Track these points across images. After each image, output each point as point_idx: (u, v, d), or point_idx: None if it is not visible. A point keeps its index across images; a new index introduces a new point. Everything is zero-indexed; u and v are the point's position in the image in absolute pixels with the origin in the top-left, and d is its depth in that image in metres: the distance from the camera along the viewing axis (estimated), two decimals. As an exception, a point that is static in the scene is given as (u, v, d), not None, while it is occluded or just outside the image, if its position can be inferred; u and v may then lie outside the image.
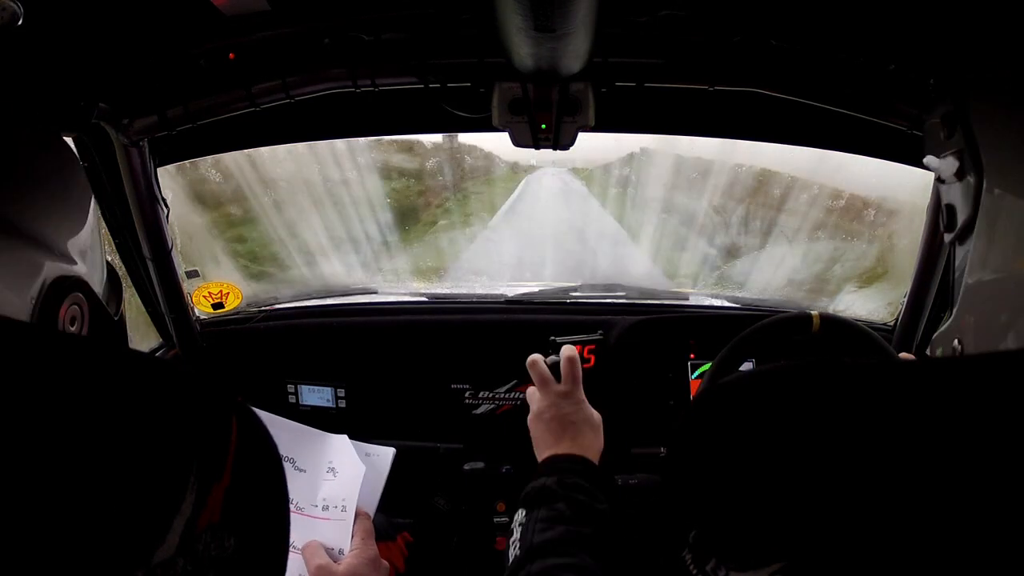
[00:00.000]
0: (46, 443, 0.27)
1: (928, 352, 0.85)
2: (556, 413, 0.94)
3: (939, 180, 0.80)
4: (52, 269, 0.74)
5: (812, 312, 1.23)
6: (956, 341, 0.75)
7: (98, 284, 0.80)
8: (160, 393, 0.33)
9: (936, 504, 0.28)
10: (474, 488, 1.51)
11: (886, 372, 0.34)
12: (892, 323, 1.53)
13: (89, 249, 0.82)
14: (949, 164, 0.77)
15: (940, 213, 0.82)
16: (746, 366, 1.27)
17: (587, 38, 0.89)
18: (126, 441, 0.30)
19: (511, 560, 0.76)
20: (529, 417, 0.97)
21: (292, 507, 0.97)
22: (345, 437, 1.06)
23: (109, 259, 0.85)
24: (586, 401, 0.97)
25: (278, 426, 1.01)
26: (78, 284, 0.75)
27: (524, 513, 0.80)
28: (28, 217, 0.74)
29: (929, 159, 0.84)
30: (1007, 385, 0.31)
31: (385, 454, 1.07)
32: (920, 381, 0.33)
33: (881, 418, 0.31)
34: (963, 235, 0.74)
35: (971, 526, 0.28)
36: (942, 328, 0.80)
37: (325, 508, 1.00)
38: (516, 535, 0.78)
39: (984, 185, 0.71)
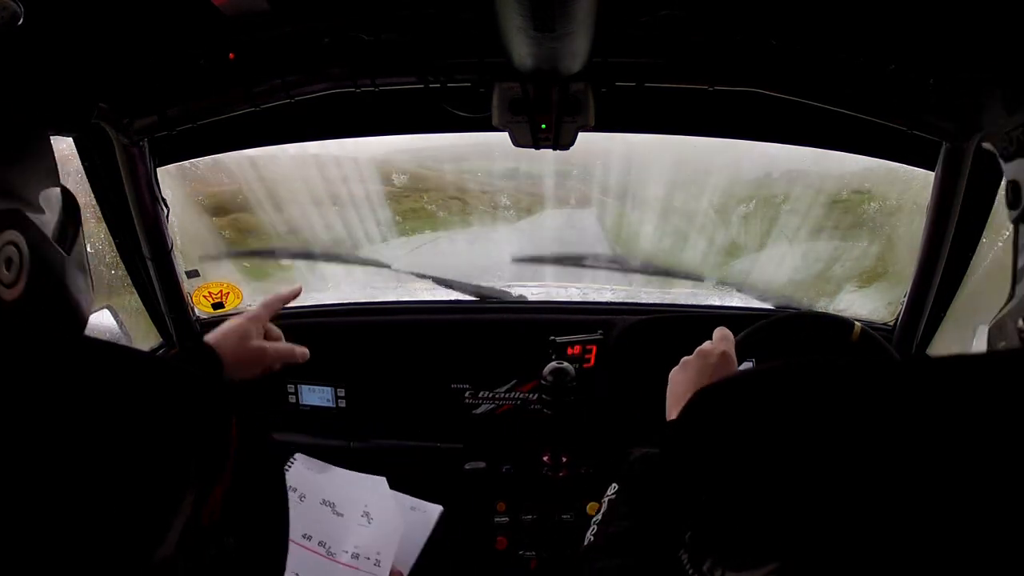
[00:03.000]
0: (48, 443, 0.28)
1: (988, 333, 0.83)
2: (701, 366, 0.91)
3: (1001, 157, 0.79)
4: None
5: (856, 323, 1.23)
6: (1021, 320, 0.73)
7: (49, 223, 0.65)
8: (161, 393, 0.33)
9: (931, 505, 0.28)
10: (474, 488, 1.51)
11: (881, 372, 0.34)
12: (892, 323, 1.53)
13: (39, 182, 0.66)
14: (1011, 140, 0.76)
15: (1006, 190, 0.80)
16: (746, 365, 1.27)
17: (587, 38, 0.89)
18: (127, 441, 0.30)
19: (587, 542, 0.74)
20: (677, 370, 0.94)
21: (323, 550, 0.90)
22: (383, 480, 1.00)
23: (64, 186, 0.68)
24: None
25: (321, 470, 0.98)
26: (16, 219, 0.60)
27: (616, 489, 0.79)
28: None
29: (988, 138, 0.84)
30: (1003, 386, 0.31)
31: (431, 511, 1.01)
32: (915, 382, 0.33)
33: (876, 419, 0.31)
34: None
35: (966, 526, 0.28)
36: (1005, 309, 0.78)
37: (355, 557, 0.91)
38: (601, 510, 0.76)
39: None
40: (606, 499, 0.78)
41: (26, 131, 0.64)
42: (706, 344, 0.95)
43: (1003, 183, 0.81)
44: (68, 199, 0.68)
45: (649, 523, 0.71)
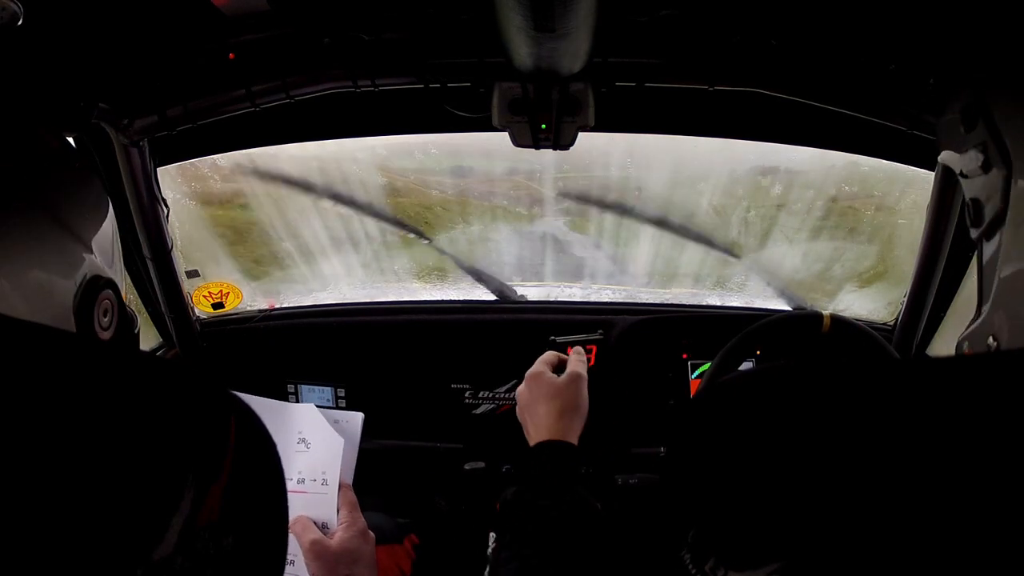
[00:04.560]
0: (46, 441, 0.28)
1: (956, 349, 0.83)
2: (526, 399, 0.96)
3: (961, 175, 0.78)
4: (90, 266, 0.82)
5: (824, 312, 1.23)
6: (991, 338, 0.72)
7: (117, 279, 0.90)
8: (159, 392, 0.33)
9: (933, 504, 0.28)
10: (474, 488, 1.51)
11: (884, 372, 0.34)
12: (892, 323, 1.53)
13: (114, 261, 0.91)
14: (971, 158, 0.75)
15: (966, 209, 0.79)
16: (746, 365, 1.27)
17: (587, 38, 0.89)
18: (125, 439, 0.30)
19: None
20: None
21: None
22: (312, 406, 1.03)
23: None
24: (546, 374, 0.98)
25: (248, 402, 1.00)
26: (110, 283, 0.85)
27: (494, 538, 0.80)
28: (67, 215, 0.82)
29: (946, 155, 0.83)
30: (1004, 386, 0.31)
31: (354, 419, 1.04)
32: (917, 381, 0.33)
33: (878, 418, 0.31)
34: (991, 230, 0.73)
35: (968, 526, 0.28)
36: (972, 326, 0.77)
37: (301, 481, 0.98)
38: (488, 568, 0.78)
39: (1014, 175, 0.69)
40: (489, 551, 0.80)
41: (85, 184, 0.81)
42: (544, 368, 1.00)
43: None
44: (130, 310, 0.94)
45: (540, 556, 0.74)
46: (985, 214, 0.73)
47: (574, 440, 0.92)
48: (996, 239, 0.72)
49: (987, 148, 0.72)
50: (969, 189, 0.76)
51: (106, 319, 0.83)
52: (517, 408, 1.00)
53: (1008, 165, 0.69)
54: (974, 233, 0.76)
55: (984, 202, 0.73)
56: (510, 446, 1.51)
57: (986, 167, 0.72)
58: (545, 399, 0.95)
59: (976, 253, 0.78)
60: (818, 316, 1.22)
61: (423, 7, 1.01)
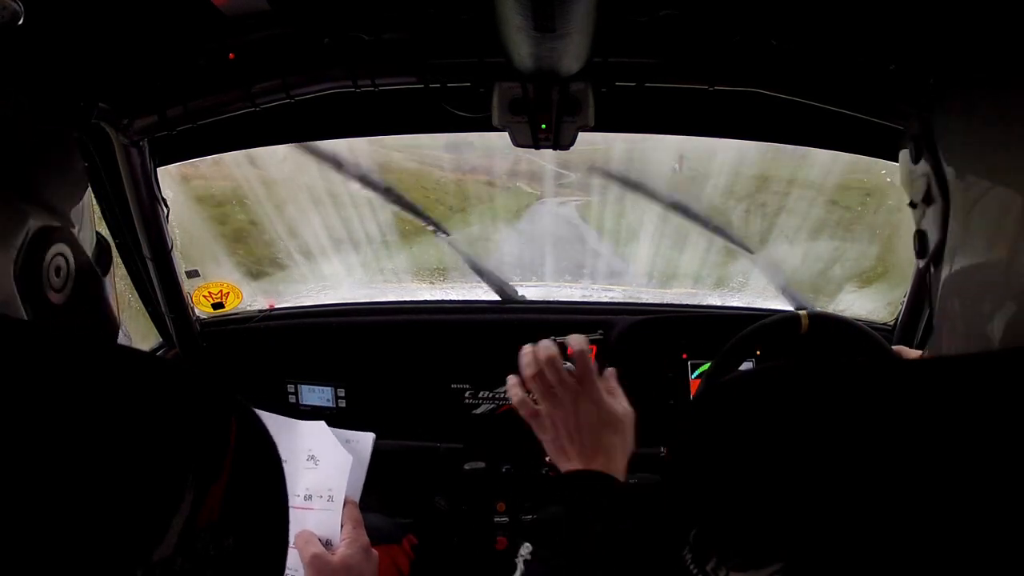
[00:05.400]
0: (45, 442, 0.28)
1: None
2: (573, 423, 0.88)
3: (910, 205, 0.77)
4: (38, 219, 0.69)
5: (800, 312, 1.22)
6: None
7: (87, 243, 0.75)
8: (159, 392, 0.33)
9: (934, 503, 0.28)
10: (474, 488, 1.51)
11: (884, 372, 0.34)
12: (892, 323, 1.54)
13: (80, 211, 0.77)
14: (918, 188, 0.73)
15: (914, 237, 0.78)
16: (746, 365, 1.27)
17: (587, 38, 0.89)
18: (125, 440, 0.30)
19: None
20: (537, 425, 0.90)
21: None
22: (322, 423, 1.03)
23: (98, 231, 0.80)
24: (605, 396, 0.91)
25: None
26: (63, 235, 0.70)
27: (530, 550, 0.78)
28: (19, 172, 0.69)
29: (902, 179, 0.81)
30: (1002, 384, 0.31)
31: (365, 439, 1.04)
32: (916, 381, 0.33)
33: (879, 418, 0.31)
34: (936, 260, 0.71)
35: (968, 525, 0.28)
36: (930, 348, 0.75)
37: (308, 498, 0.98)
38: (519, 572, 0.75)
39: (951, 208, 0.67)
40: (520, 559, 0.78)
41: (57, 142, 0.73)
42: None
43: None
44: (101, 240, 0.78)
45: None
46: (929, 245, 0.71)
47: (622, 477, 0.86)
48: (941, 270, 0.70)
49: (929, 179, 0.71)
50: (915, 218, 0.74)
51: (59, 279, 0.69)
52: (546, 415, 0.91)
53: (946, 198, 0.67)
54: (920, 264, 0.75)
55: (928, 234, 0.71)
56: (510, 446, 1.52)
57: (928, 199, 0.71)
58: (607, 428, 0.89)
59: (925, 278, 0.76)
60: (795, 317, 1.21)
61: (423, 7, 1.01)
